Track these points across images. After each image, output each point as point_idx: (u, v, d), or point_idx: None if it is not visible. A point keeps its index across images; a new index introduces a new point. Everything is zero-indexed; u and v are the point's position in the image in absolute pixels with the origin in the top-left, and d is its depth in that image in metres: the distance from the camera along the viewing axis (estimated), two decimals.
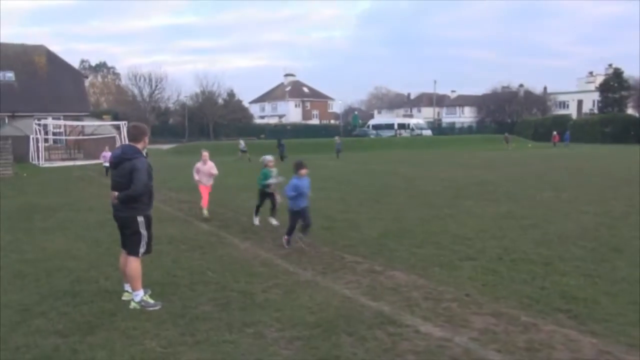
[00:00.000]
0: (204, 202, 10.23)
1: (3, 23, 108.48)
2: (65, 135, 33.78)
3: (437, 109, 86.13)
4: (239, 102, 76.14)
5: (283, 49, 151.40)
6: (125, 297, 5.20)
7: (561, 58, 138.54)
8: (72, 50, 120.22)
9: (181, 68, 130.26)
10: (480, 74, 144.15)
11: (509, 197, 12.79)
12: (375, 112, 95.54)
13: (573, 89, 79.05)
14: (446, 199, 12.62)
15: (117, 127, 31.57)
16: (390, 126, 59.97)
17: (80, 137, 34.22)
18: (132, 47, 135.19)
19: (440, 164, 25.55)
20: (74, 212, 11.32)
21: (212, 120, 65.14)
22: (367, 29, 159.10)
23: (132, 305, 5.02)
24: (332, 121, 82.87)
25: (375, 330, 4.46)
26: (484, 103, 76.91)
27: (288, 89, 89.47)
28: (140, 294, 5.05)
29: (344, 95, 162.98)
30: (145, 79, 66.26)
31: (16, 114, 36.04)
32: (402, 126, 59.52)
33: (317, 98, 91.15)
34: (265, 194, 9.16)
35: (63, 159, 30.93)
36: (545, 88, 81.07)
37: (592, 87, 71.33)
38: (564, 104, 76.88)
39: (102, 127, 34.81)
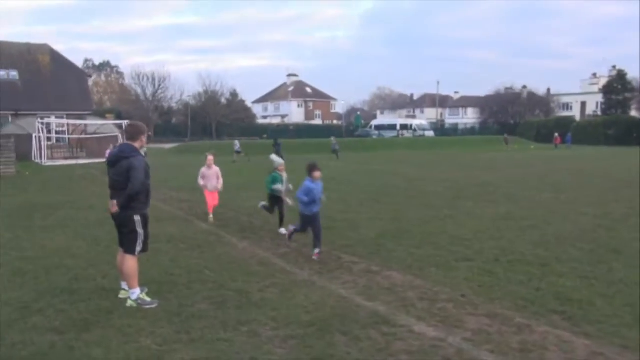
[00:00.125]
0: (209, 207, 9.87)
1: (8, 22, 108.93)
2: (68, 134, 33.90)
3: (440, 110, 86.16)
4: (242, 102, 76.36)
5: (286, 49, 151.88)
6: (122, 295, 5.23)
7: (565, 59, 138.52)
8: (76, 49, 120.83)
9: (184, 67, 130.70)
10: (484, 75, 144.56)
11: (509, 198, 12.79)
12: (378, 112, 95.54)
13: (576, 91, 78.91)
14: (446, 199, 12.62)
15: (120, 126, 31.68)
16: (392, 127, 60.01)
17: (83, 136, 34.33)
18: (135, 47, 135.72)
19: (441, 165, 25.54)
20: (75, 210, 11.38)
21: (215, 119, 65.30)
22: (371, 29, 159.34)
23: (129, 303, 5.05)
24: (335, 121, 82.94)
25: (369, 330, 4.48)
26: (487, 104, 76.86)
27: (291, 89, 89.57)
28: (136, 292, 5.08)
29: (346, 95, 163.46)
30: (148, 78, 66.65)
31: (19, 112, 36.20)
32: (404, 127, 59.55)
33: (319, 98, 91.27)
34: (274, 198, 8.65)
35: (65, 158, 31.04)
36: (548, 89, 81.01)
37: (595, 88, 71.17)
38: (567, 106, 76.76)
39: (105, 126, 34.92)
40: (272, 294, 5.47)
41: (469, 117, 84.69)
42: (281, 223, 8.65)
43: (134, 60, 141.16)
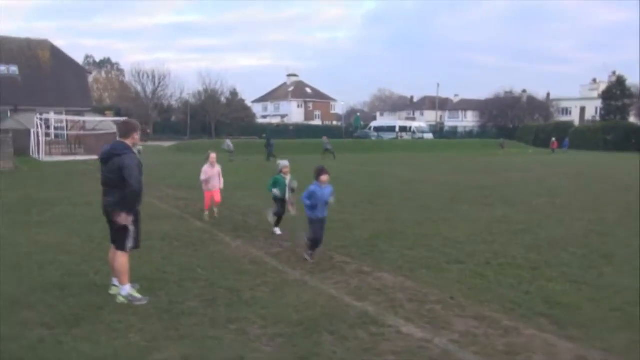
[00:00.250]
0: (206, 205, 9.85)
1: (9, 17, 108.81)
2: (67, 130, 33.89)
3: (439, 113, 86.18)
4: (242, 101, 76.32)
5: (287, 49, 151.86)
6: (112, 291, 5.26)
7: (565, 64, 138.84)
8: (77, 46, 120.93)
9: (185, 66, 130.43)
10: (484, 79, 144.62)
11: (505, 202, 12.83)
12: (378, 114, 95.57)
13: (576, 96, 79.04)
14: (442, 202, 12.66)
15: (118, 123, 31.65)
16: (391, 128, 60.03)
17: (81, 132, 34.33)
18: (136, 44, 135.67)
19: (439, 167, 25.58)
20: (72, 206, 11.39)
21: (215, 118, 65.24)
22: (372, 30, 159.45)
23: (120, 299, 5.08)
24: (335, 122, 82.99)
25: (357, 329, 4.51)
26: (486, 108, 76.90)
27: (291, 89, 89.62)
28: (127, 288, 5.11)
29: (347, 96, 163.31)
30: (148, 76, 66.54)
31: (19, 107, 36.18)
32: (403, 129, 59.58)
33: (319, 99, 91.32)
34: (280, 201, 8.33)
35: (64, 154, 31.00)
36: (548, 94, 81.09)
37: (595, 94, 71.34)
38: (566, 111, 76.89)
39: (104, 122, 34.91)
40: (262, 293, 5.50)
41: (468, 120, 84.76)
42: (278, 223, 8.56)
43: (135, 57, 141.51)
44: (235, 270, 6.36)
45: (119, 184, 4.91)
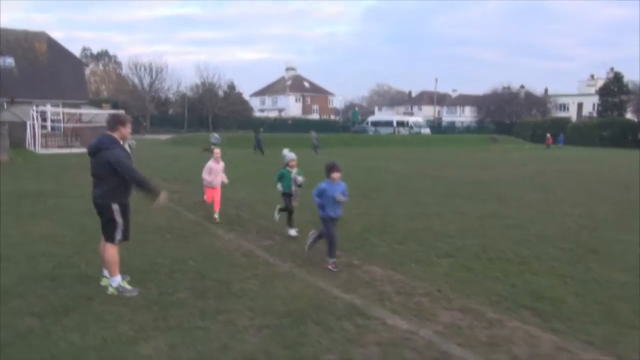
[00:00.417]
0: (208, 199, 9.42)
1: (8, 10, 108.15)
2: (63, 122, 33.79)
3: (437, 108, 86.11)
4: (239, 94, 76.23)
5: (286, 43, 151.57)
6: (103, 282, 5.31)
7: (563, 60, 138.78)
8: (75, 38, 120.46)
9: (183, 59, 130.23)
10: (482, 74, 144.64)
11: (498, 197, 12.90)
12: (376, 109, 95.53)
13: (574, 92, 79.11)
14: (435, 197, 12.72)
15: None
16: (389, 123, 59.96)
17: (78, 125, 34.25)
18: (134, 37, 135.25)
19: (435, 162, 25.64)
20: (65, 198, 11.41)
21: (212, 112, 65.20)
22: (371, 25, 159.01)
23: (110, 290, 5.13)
24: (332, 116, 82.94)
25: (343, 321, 4.57)
26: (484, 103, 76.92)
27: (289, 83, 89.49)
28: (117, 280, 5.15)
29: (345, 91, 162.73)
30: (145, 69, 66.40)
31: (15, 99, 36.04)
32: (401, 124, 59.51)
33: (317, 93, 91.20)
34: (286, 195, 7.93)
35: (60, 146, 30.94)
36: (546, 90, 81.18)
37: (592, 90, 71.41)
38: (564, 107, 76.98)
39: (100, 115, 34.80)
40: (252, 285, 5.56)
41: (466, 116, 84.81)
42: (288, 221, 7.98)
43: (132, 50, 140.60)
44: (226, 262, 6.41)
45: (107, 176, 4.94)
